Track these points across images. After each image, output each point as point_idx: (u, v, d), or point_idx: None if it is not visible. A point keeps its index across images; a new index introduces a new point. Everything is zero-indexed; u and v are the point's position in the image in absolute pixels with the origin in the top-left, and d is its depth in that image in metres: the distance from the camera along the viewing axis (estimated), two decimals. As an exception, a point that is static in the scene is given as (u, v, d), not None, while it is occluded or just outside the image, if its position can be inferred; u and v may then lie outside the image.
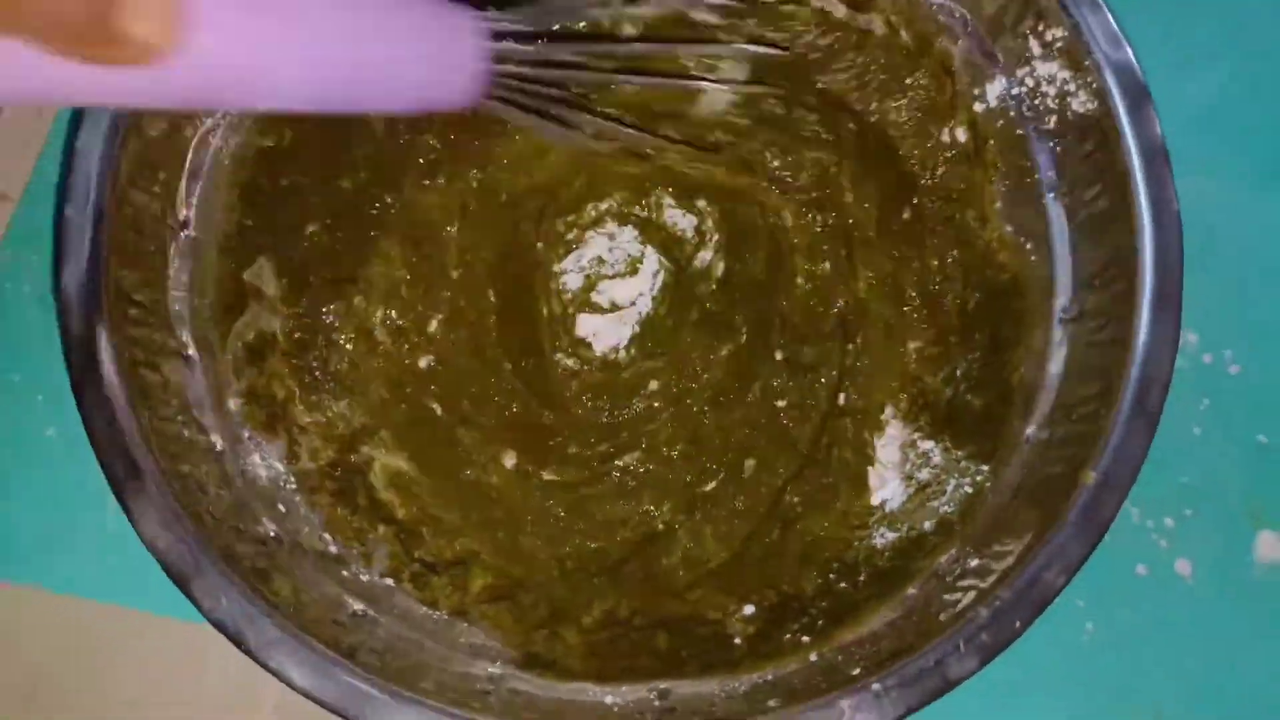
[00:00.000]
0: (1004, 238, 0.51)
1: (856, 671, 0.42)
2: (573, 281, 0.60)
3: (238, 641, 0.41)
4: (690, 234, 0.60)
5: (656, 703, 0.44)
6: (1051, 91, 0.49)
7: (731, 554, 0.53)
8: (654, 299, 0.59)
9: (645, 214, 0.60)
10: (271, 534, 0.47)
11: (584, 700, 0.44)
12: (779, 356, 0.57)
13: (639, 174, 0.60)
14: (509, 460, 0.56)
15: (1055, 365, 0.48)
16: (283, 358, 0.53)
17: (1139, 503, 0.57)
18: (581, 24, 0.57)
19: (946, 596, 0.44)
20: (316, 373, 0.54)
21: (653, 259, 0.60)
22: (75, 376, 0.43)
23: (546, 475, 0.55)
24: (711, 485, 0.55)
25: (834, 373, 0.56)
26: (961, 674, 0.40)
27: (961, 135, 0.53)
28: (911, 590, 0.46)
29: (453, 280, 0.58)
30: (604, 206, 0.60)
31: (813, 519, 0.53)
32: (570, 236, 0.60)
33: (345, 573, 0.49)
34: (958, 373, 0.53)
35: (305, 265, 0.55)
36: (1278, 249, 0.62)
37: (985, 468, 0.49)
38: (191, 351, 0.49)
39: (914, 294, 0.56)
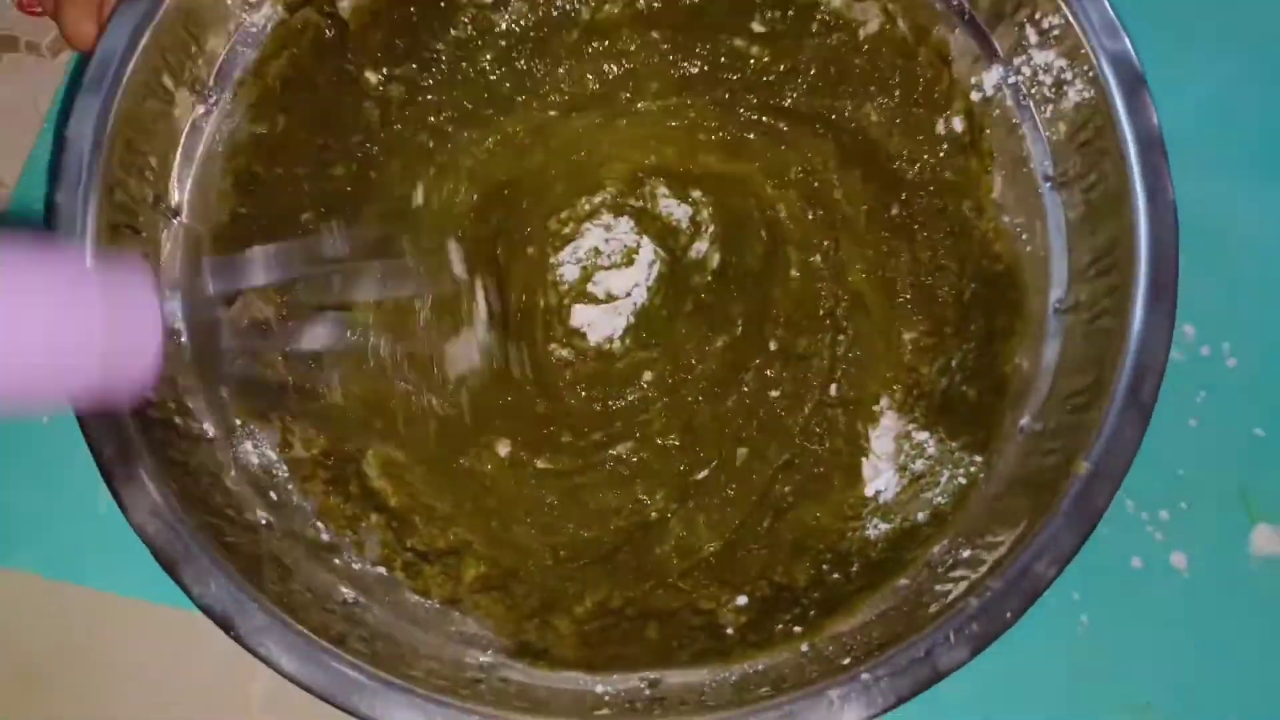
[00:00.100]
0: (1000, 228, 0.51)
1: (847, 661, 0.42)
2: (569, 273, 0.59)
3: (226, 627, 0.41)
4: (685, 224, 0.60)
5: (647, 691, 0.44)
6: (1048, 80, 0.48)
7: (724, 544, 0.53)
8: (649, 289, 0.59)
9: (641, 204, 0.60)
10: (263, 521, 0.47)
11: (575, 689, 0.44)
12: (773, 347, 0.57)
13: (632, 166, 0.60)
14: (502, 449, 0.55)
15: (1050, 356, 0.48)
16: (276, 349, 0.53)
17: (1135, 495, 0.57)
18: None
19: (938, 587, 0.44)
20: (309, 361, 0.54)
21: (648, 249, 0.59)
22: (66, 363, 0.43)
23: (540, 464, 0.55)
24: (704, 474, 0.55)
25: (827, 363, 0.56)
26: (951, 664, 0.40)
27: (958, 125, 0.53)
28: (903, 581, 0.46)
29: (444, 271, 0.58)
30: (598, 199, 0.60)
31: (806, 509, 0.53)
32: (566, 230, 0.60)
33: (337, 561, 0.48)
34: (952, 363, 0.53)
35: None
36: (1276, 242, 0.62)
37: (979, 458, 0.49)
38: (184, 338, 0.49)
39: (908, 285, 0.56)
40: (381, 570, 0.49)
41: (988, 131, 0.51)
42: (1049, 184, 0.49)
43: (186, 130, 0.50)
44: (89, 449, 0.42)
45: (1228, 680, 0.56)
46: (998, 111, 0.51)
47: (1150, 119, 0.45)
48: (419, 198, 0.58)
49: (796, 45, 0.56)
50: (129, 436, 0.43)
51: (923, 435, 0.53)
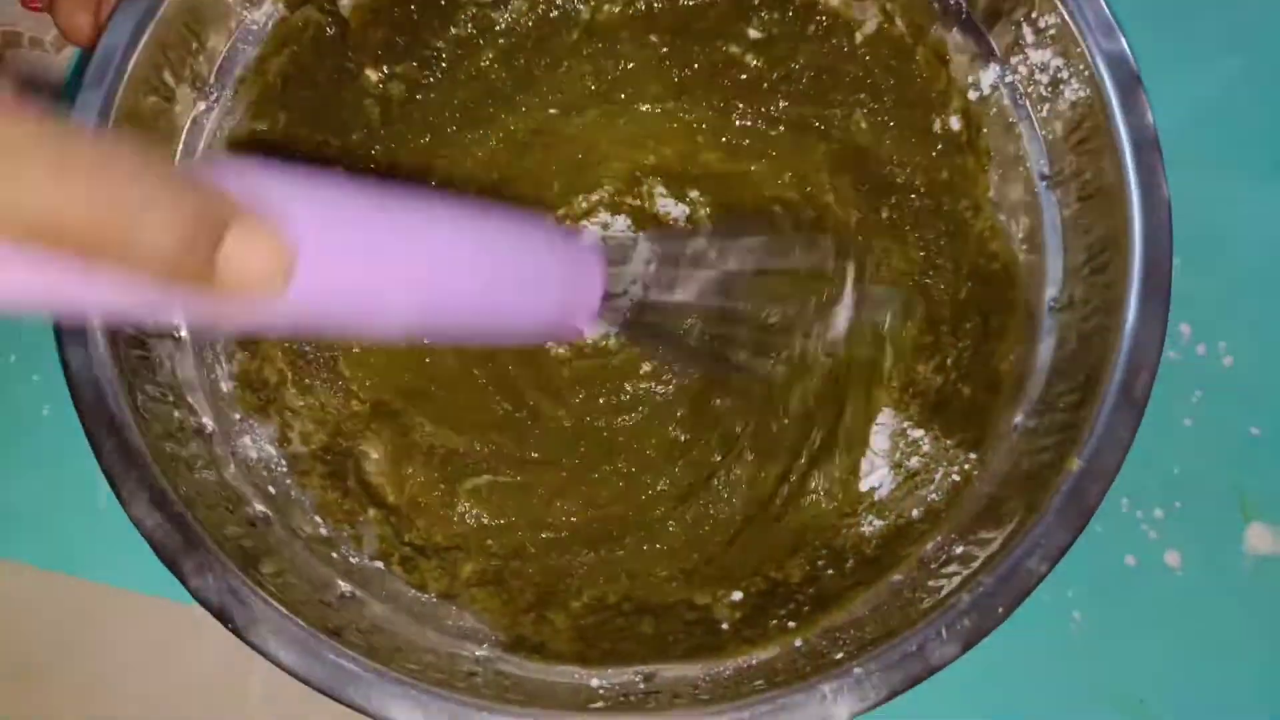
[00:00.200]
0: (996, 226, 0.51)
1: (840, 656, 0.42)
2: None
3: (224, 620, 0.41)
4: (682, 223, 0.60)
5: (642, 685, 0.44)
6: (1044, 79, 0.49)
7: (723, 541, 0.53)
8: (644, 288, 0.59)
9: (638, 203, 0.61)
10: (261, 515, 0.47)
11: (570, 682, 0.45)
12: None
13: (630, 165, 0.60)
14: (499, 445, 0.56)
15: (1044, 354, 0.48)
16: (275, 341, 0.53)
17: (1129, 493, 0.58)
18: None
19: (931, 582, 0.44)
20: (309, 357, 0.55)
21: (644, 247, 0.60)
22: (66, 355, 0.43)
23: (535, 457, 0.55)
24: (703, 473, 0.55)
25: (826, 360, 0.56)
26: (943, 659, 0.40)
27: (955, 124, 0.53)
28: (897, 576, 0.46)
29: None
30: (595, 197, 0.61)
31: (804, 506, 0.53)
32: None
33: (335, 555, 0.49)
34: (948, 361, 0.53)
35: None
36: (1273, 242, 0.62)
37: (973, 455, 0.49)
38: (183, 333, 0.49)
39: (904, 286, 0.56)
40: (379, 564, 0.50)
41: (984, 131, 0.52)
42: (1045, 183, 0.49)
43: (187, 127, 0.50)
44: (89, 443, 0.43)
45: (1221, 678, 0.56)
46: (994, 110, 0.51)
47: (1145, 118, 0.45)
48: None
49: (795, 45, 0.57)
50: (129, 430, 0.43)
51: (918, 433, 0.53)
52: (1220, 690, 0.56)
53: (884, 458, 0.54)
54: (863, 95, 0.56)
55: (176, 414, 0.47)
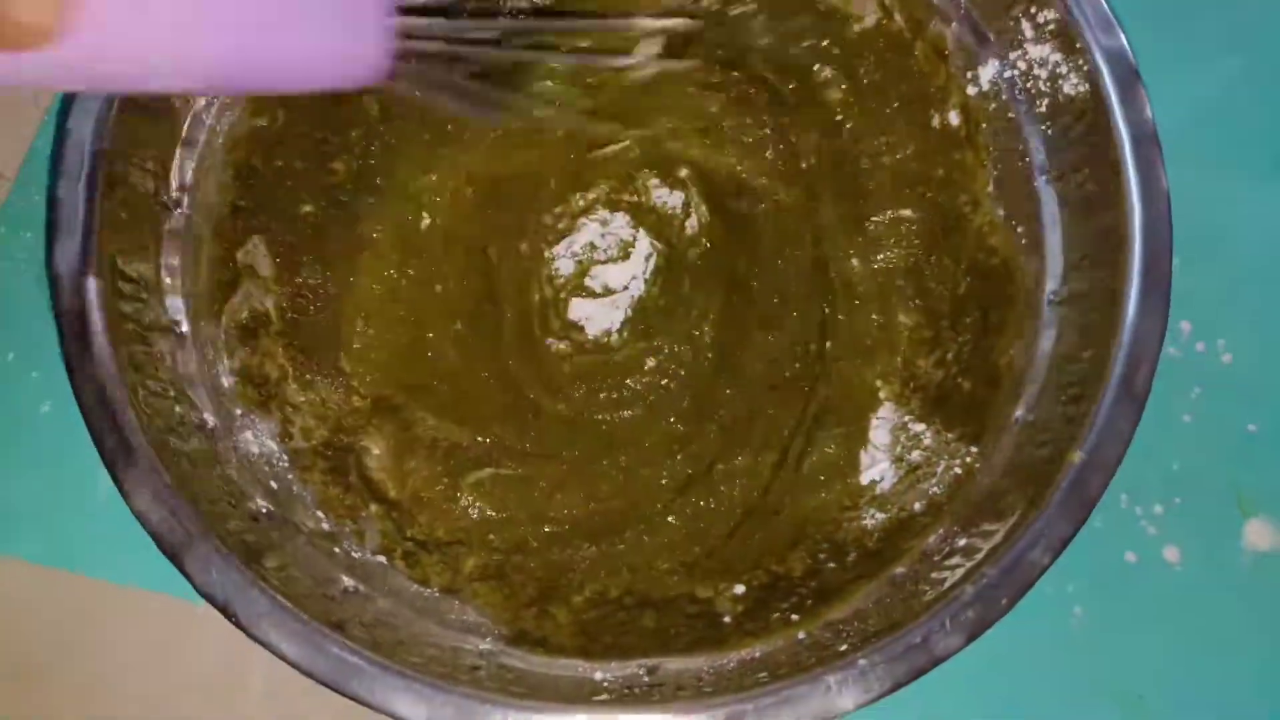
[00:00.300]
0: (995, 221, 0.52)
1: (844, 648, 0.42)
2: (565, 267, 0.60)
3: (228, 613, 0.41)
4: (679, 211, 0.60)
5: (645, 678, 0.44)
6: (1043, 74, 0.49)
7: (723, 534, 0.53)
8: (646, 281, 0.59)
9: (635, 199, 0.61)
10: (264, 510, 0.47)
11: (574, 676, 0.45)
12: (771, 340, 0.57)
13: (622, 159, 0.60)
14: (501, 438, 0.56)
15: (1044, 348, 0.48)
16: (276, 337, 0.54)
17: (1128, 489, 0.58)
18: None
19: (934, 575, 0.44)
20: (310, 352, 0.55)
21: (645, 243, 0.60)
22: (67, 350, 0.43)
23: (538, 454, 0.55)
24: (703, 466, 0.55)
25: (826, 354, 0.56)
26: (947, 651, 0.40)
27: (954, 119, 0.53)
28: (899, 569, 0.46)
29: (444, 266, 0.58)
30: (591, 195, 0.60)
31: (804, 500, 0.53)
32: (561, 226, 0.60)
33: (337, 550, 0.49)
34: (948, 356, 0.53)
35: (298, 246, 0.55)
36: (1273, 239, 0.62)
37: (974, 449, 0.49)
38: (184, 329, 0.49)
39: (903, 281, 0.56)
40: (381, 559, 0.50)
41: (983, 126, 0.52)
42: (1044, 177, 0.49)
43: (187, 122, 0.50)
44: (91, 437, 0.43)
45: (1220, 674, 0.56)
46: (993, 106, 0.51)
47: (1144, 113, 0.45)
48: (417, 191, 0.59)
49: (794, 39, 0.57)
50: (130, 425, 0.43)
51: (919, 427, 0.53)
52: (1219, 686, 0.56)
53: (885, 452, 0.54)
54: (868, 82, 0.56)
55: (178, 409, 0.47)
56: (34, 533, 0.56)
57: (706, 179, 0.60)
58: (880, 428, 0.55)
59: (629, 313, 0.59)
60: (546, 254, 0.60)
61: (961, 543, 0.45)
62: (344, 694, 0.40)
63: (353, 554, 0.49)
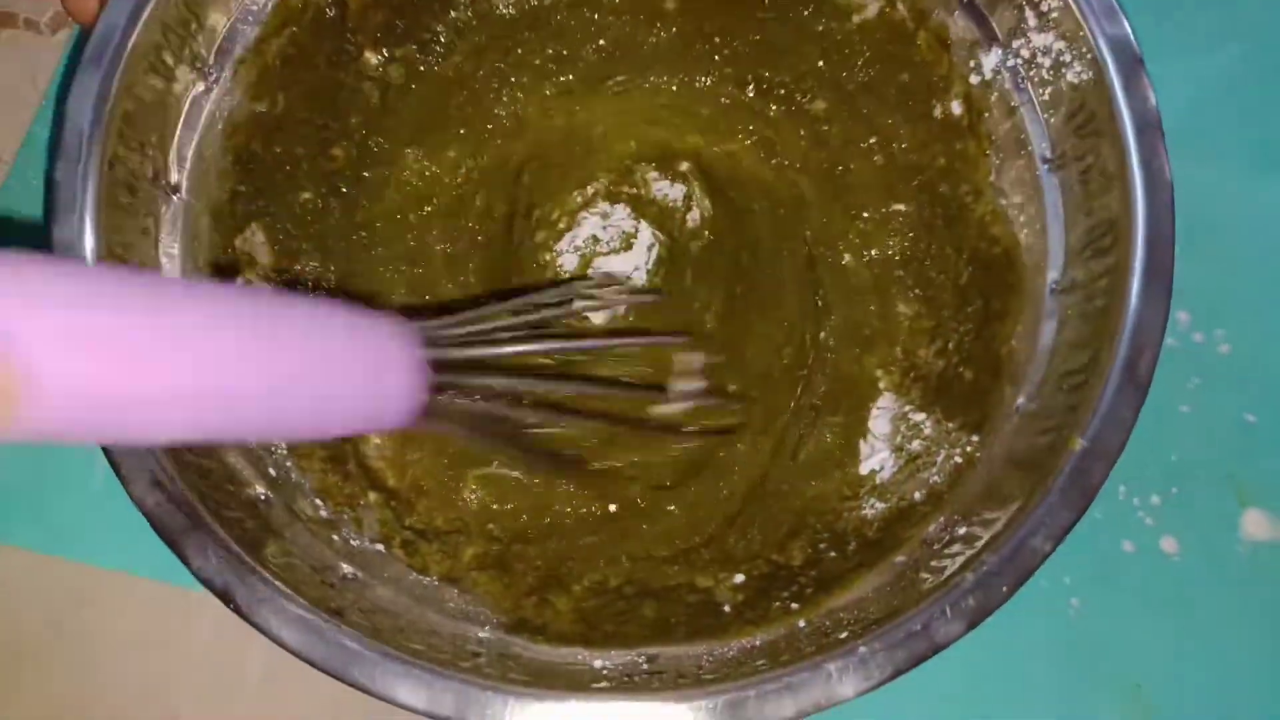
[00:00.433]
0: (997, 210, 0.51)
1: (844, 635, 0.42)
2: (569, 261, 0.60)
3: (226, 599, 0.41)
4: (680, 203, 0.60)
5: (645, 666, 0.44)
6: (1046, 63, 0.49)
7: (722, 522, 0.53)
8: (649, 272, 0.59)
9: (635, 191, 0.60)
10: (262, 497, 0.47)
11: (574, 663, 0.44)
12: (769, 330, 0.57)
13: (629, 150, 0.60)
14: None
15: (1046, 336, 0.48)
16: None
17: (1126, 480, 0.58)
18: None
19: (934, 563, 0.44)
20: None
21: (646, 233, 0.60)
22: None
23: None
24: (703, 453, 0.55)
25: (822, 343, 0.56)
26: (948, 638, 0.40)
27: (956, 108, 0.53)
28: (900, 557, 0.46)
29: (442, 255, 0.58)
30: (590, 191, 0.60)
31: (803, 489, 0.53)
32: (563, 225, 0.60)
33: (336, 537, 0.48)
34: (949, 345, 0.53)
35: (297, 233, 0.55)
36: (1271, 230, 0.62)
37: (975, 438, 0.49)
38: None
39: (902, 271, 0.56)
40: (380, 547, 0.49)
41: (986, 115, 0.52)
42: (1046, 166, 0.49)
43: (187, 107, 0.50)
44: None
45: (1217, 663, 0.56)
46: (996, 94, 0.51)
47: (1148, 101, 0.45)
48: (416, 181, 0.59)
49: (796, 28, 0.57)
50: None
51: (919, 416, 0.53)
52: (1217, 675, 0.56)
53: (885, 441, 0.54)
54: (870, 71, 0.56)
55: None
56: (30, 520, 0.55)
57: (707, 173, 0.60)
58: (880, 417, 0.55)
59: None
60: (554, 247, 0.60)
61: (962, 531, 0.45)
62: (344, 681, 0.40)
63: (351, 542, 0.49)
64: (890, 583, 0.45)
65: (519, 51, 0.59)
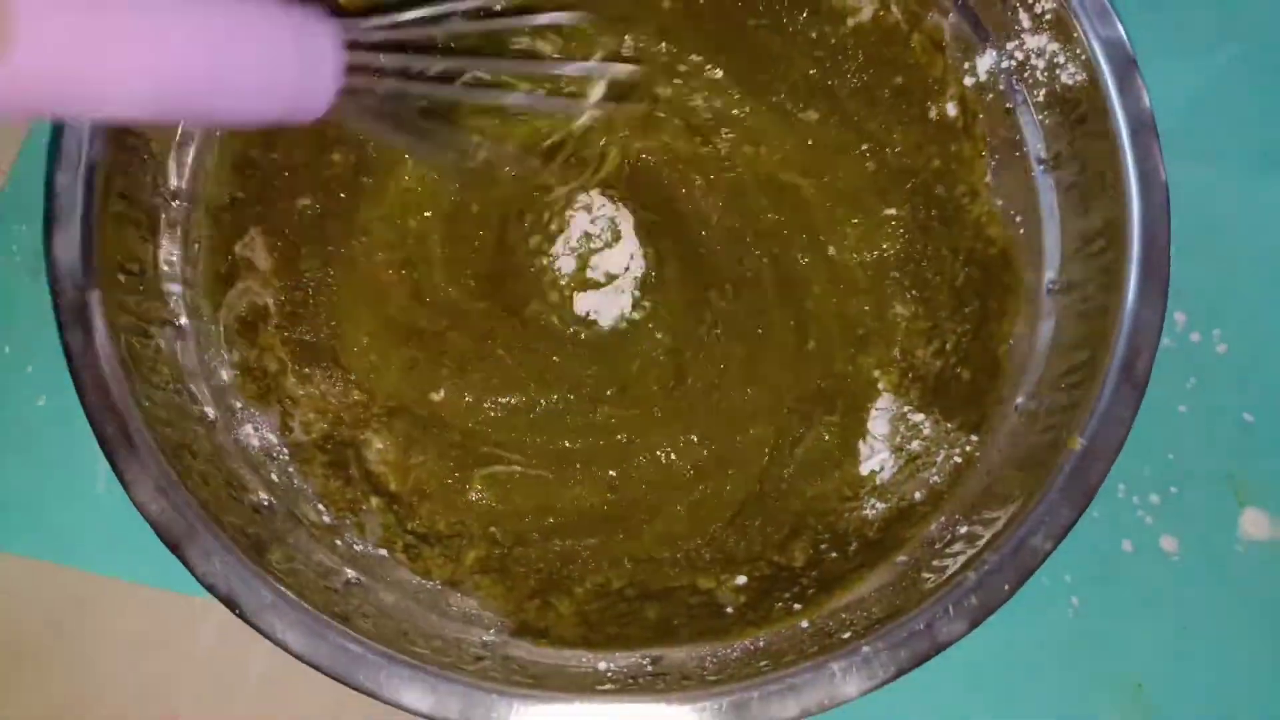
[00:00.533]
0: (993, 211, 0.52)
1: (847, 635, 0.42)
2: (566, 265, 0.59)
3: (231, 605, 0.41)
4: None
5: (649, 668, 0.44)
6: (1041, 64, 0.49)
7: (722, 523, 0.53)
8: (645, 255, 0.59)
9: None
10: (265, 502, 0.47)
11: (578, 666, 0.45)
12: (760, 330, 0.57)
13: (625, 151, 0.60)
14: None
15: (1043, 336, 0.48)
16: (275, 330, 0.53)
17: (1125, 479, 0.58)
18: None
19: (936, 562, 0.44)
20: (309, 346, 0.54)
21: (627, 215, 0.59)
22: (67, 341, 0.43)
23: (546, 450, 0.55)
24: (705, 453, 0.55)
25: (826, 342, 0.56)
26: (950, 636, 0.41)
27: (951, 110, 0.53)
28: (901, 557, 0.46)
29: (441, 260, 0.58)
30: (568, 188, 0.60)
31: (802, 489, 0.54)
32: (554, 226, 0.60)
33: (338, 542, 0.49)
34: (947, 346, 0.54)
35: (296, 239, 0.55)
36: (1267, 231, 0.63)
37: (974, 438, 0.49)
38: (183, 321, 0.49)
39: (898, 273, 0.57)
40: (382, 552, 0.50)
41: (981, 116, 0.52)
42: (1042, 167, 0.50)
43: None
44: (91, 428, 0.43)
45: (1217, 661, 0.56)
46: (990, 96, 0.51)
47: (1142, 101, 0.46)
48: (416, 186, 0.59)
49: (789, 36, 0.57)
50: (131, 417, 0.43)
51: (918, 417, 0.54)
52: (1216, 674, 0.56)
53: (884, 442, 0.54)
54: (865, 74, 0.56)
55: (178, 401, 0.47)
56: (30, 527, 0.55)
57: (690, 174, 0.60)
58: (879, 418, 0.55)
59: (636, 293, 0.58)
60: (545, 251, 0.59)
61: (963, 530, 0.45)
62: (350, 685, 0.40)
63: (354, 546, 0.49)
64: (892, 582, 0.45)
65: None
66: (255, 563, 0.42)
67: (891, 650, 0.40)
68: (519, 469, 0.54)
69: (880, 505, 0.51)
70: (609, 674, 0.44)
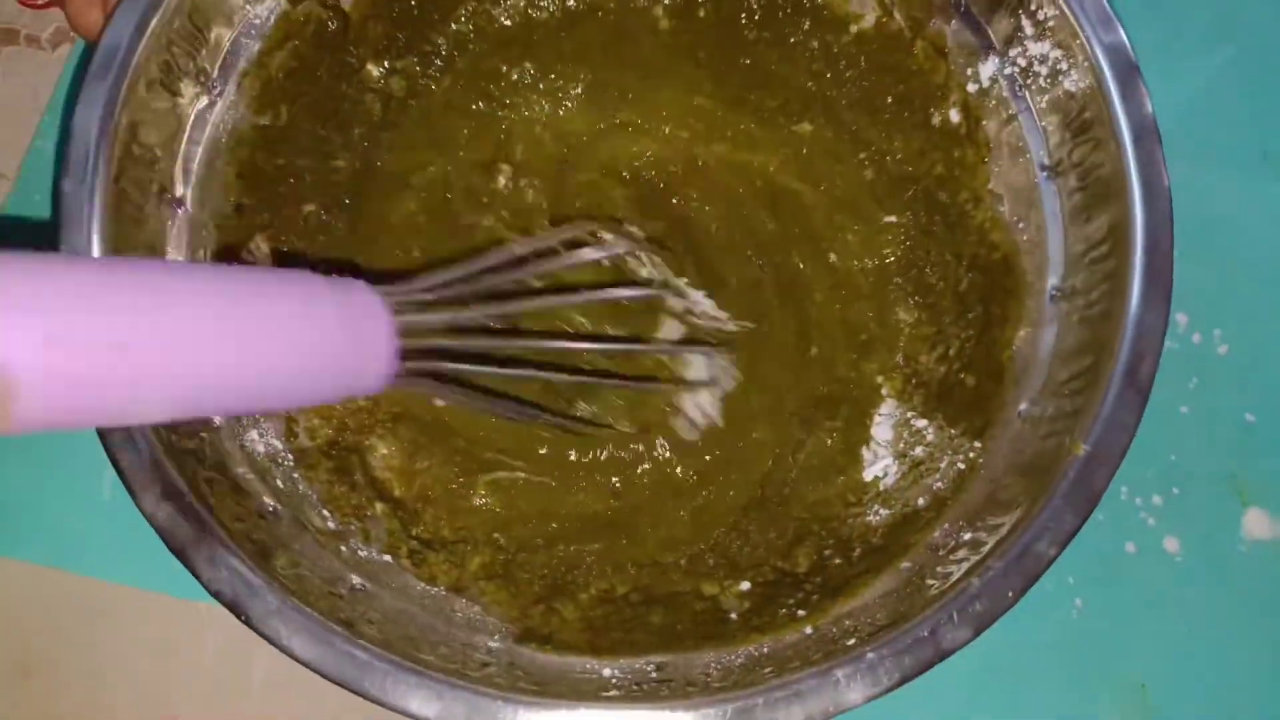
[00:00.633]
0: (996, 217, 0.52)
1: (851, 642, 0.42)
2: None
3: (237, 611, 0.41)
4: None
5: (654, 674, 0.44)
6: (1044, 70, 0.49)
7: (725, 528, 0.54)
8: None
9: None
10: (270, 508, 0.47)
11: (583, 672, 0.45)
12: (767, 335, 0.57)
13: (624, 162, 0.60)
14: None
15: (1047, 342, 0.48)
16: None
17: (1128, 481, 0.58)
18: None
19: (940, 569, 0.44)
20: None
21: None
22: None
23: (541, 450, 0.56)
24: (708, 458, 0.55)
25: (829, 348, 0.57)
26: (955, 643, 0.41)
27: (954, 116, 0.54)
28: (906, 564, 0.46)
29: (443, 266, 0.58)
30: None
31: (805, 494, 0.54)
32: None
33: (344, 548, 0.49)
34: (950, 352, 0.54)
35: (302, 245, 0.55)
36: (1267, 232, 0.63)
37: (978, 444, 0.49)
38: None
39: (900, 279, 0.57)
40: (387, 558, 0.50)
41: (984, 123, 0.52)
42: (1045, 173, 0.50)
43: (191, 120, 0.50)
44: (98, 436, 0.43)
45: (1221, 662, 0.56)
46: (994, 102, 0.51)
47: (1145, 107, 0.46)
48: (421, 192, 0.59)
49: (791, 48, 0.57)
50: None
51: (922, 423, 0.54)
52: (1220, 674, 0.56)
53: (888, 448, 0.54)
54: (868, 81, 0.56)
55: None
56: (36, 534, 0.56)
57: (711, 183, 0.60)
58: (883, 424, 0.55)
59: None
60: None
61: (967, 536, 0.45)
62: (356, 692, 0.40)
63: (359, 553, 0.49)
64: (897, 589, 0.45)
65: (515, 68, 0.60)
66: (261, 569, 0.42)
67: (896, 657, 0.41)
68: (523, 475, 0.54)
69: (884, 511, 0.51)
70: (613, 680, 0.44)
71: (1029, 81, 0.50)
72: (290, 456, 0.51)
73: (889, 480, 0.53)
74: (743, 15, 0.57)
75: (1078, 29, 0.47)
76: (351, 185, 0.57)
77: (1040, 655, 0.56)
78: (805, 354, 0.57)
